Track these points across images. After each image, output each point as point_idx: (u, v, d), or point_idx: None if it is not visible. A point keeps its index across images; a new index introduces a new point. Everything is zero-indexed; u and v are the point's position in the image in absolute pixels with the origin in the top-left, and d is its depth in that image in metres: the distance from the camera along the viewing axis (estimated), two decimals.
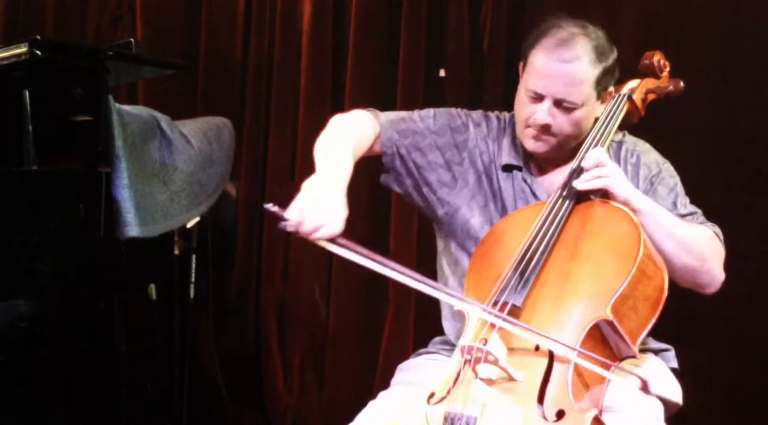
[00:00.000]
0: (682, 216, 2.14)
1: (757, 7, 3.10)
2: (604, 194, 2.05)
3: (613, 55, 2.16)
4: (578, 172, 2.09)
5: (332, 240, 1.93)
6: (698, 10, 3.17)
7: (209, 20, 3.87)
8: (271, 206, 1.92)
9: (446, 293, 2.00)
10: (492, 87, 3.41)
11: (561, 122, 2.13)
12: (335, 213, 1.93)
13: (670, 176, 2.21)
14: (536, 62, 2.12)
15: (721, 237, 2.16)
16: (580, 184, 2.04)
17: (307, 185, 1.98)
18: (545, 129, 2.14)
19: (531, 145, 2.18)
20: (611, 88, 2.20)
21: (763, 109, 3.10)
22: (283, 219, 1.91)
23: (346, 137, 2.16)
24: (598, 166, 2.04)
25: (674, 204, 2.16)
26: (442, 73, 3.52)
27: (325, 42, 3.70)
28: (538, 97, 2.12)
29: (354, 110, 2.29)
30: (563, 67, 2.09)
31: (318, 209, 1.92)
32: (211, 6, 3.87)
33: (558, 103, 2.11)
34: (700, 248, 2.07)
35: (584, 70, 2.10)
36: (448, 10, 3.50)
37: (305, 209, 1.91)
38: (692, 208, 2.19)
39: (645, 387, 1.86)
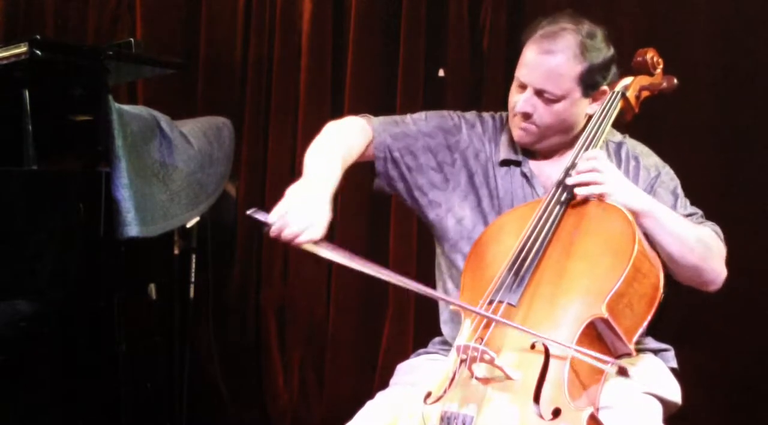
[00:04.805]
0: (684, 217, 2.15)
1: (757, 7, 3.09)
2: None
3: (606, 54, 2.17)
4: (572, 169, 2.09)
5: (316, 243, 1.92)
6: (698, 9, 3.17)
7: (209, 20, 3.87)
8: (253, 212, 1.93)
9: (425, 290, 1.97)
10: (492, 87, 3.40)
11: (542, 112, 2.17)
12: (317, 218, 1.93)
13: (670, 179, 2.23)
14: (525, 53, 2.18)
15: (722, 236, 2.18)
16: (580, 191, 2.05)
17: (291, 191, 1.98)
18: (526, 117, 2.18)
19: (516, 134, 2.22)
20: (604, 87, 2.21)
21: (763, 109, 3.09)
22: (265, 225, 1.92)
23: (336, 144, 2.16)
24: (593, 172, 2.05)
25: (674, 206, 2.17)
26: (441, 73, 3.52)
27: (325, 42, 3.70)
28: (523, 86, 2.17)
29: (347, 117, 2.30)
30: (544, 58, 2.14)
31: (299, 214, 1.92)
32: (211, 6, 3.87)
33: (539, 94, 2.15)
34: (703, 247, 2.09)
35: (564, 64, 2.13)
36: (448, 10, 3.49)
37: (286, 215, 1.92)
38: (692, 209, 2.21)
39: (621, 372, 1.86)
